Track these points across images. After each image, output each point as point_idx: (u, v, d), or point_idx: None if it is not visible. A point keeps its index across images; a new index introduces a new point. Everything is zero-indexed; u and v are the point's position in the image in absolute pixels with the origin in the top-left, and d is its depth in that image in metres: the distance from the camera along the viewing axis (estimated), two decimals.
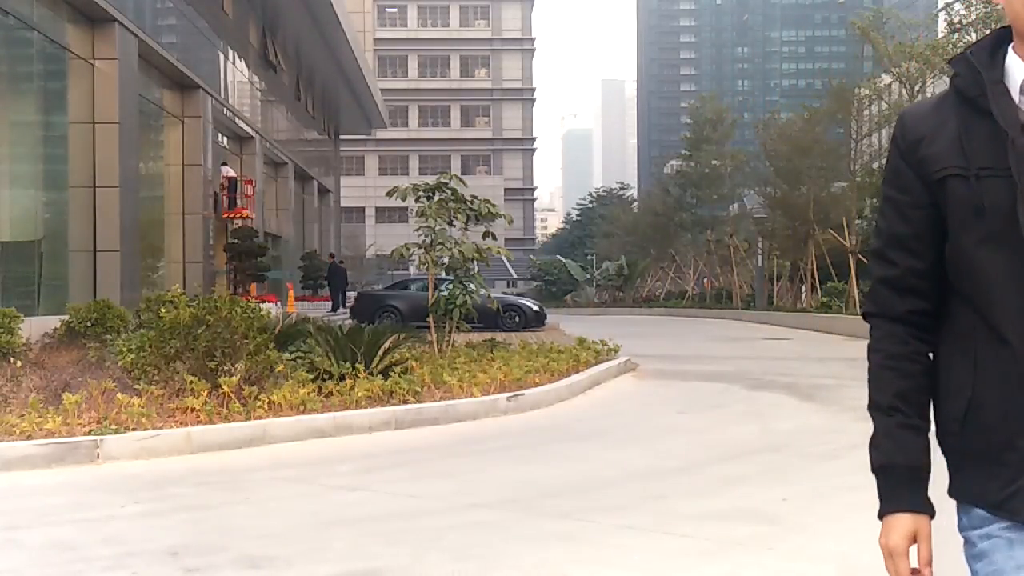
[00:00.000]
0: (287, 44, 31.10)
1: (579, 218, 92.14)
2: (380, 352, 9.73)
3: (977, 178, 1.37)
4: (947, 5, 22.74)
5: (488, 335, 15.36)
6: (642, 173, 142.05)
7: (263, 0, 27.37)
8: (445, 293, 13.28)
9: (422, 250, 13.43)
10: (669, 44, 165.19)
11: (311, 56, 33.33)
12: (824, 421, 8.95)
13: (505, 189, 75.52)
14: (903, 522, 1.44)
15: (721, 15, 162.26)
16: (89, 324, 11.87)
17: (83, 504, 5.50)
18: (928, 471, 1.48)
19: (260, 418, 7.68)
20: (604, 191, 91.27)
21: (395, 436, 8.00)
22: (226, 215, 23.37)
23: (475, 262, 13.54)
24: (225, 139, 25.23)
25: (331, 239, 42.29)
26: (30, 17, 14.32)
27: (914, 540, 1.44)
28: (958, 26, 21.46)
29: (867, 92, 26.66)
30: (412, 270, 31.04)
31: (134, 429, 7.04)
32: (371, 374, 9.23)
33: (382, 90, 47.68)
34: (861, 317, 1.62)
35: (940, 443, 1.48)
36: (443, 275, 14.33)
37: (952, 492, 1.46)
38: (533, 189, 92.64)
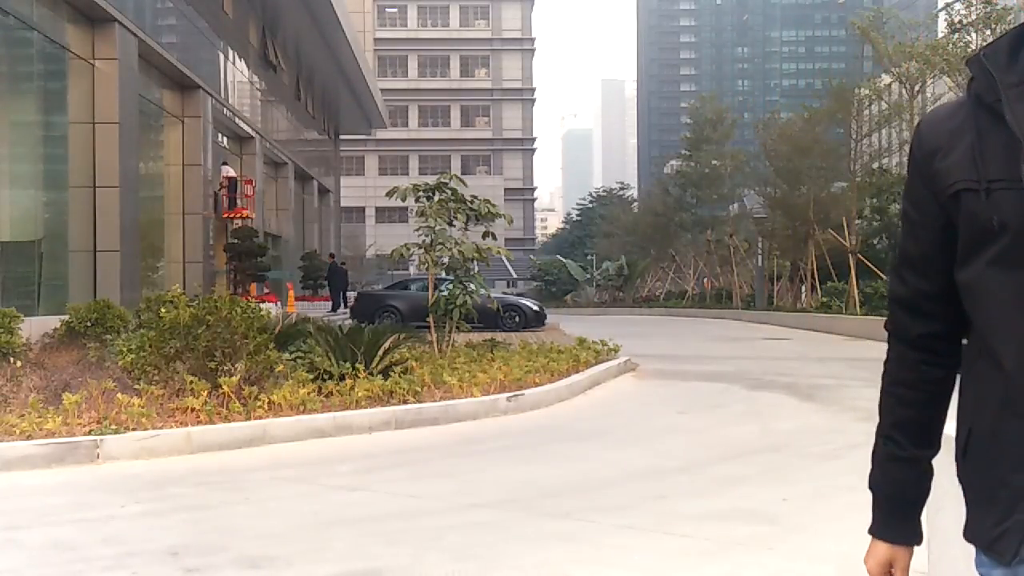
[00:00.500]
0: (287, 44, 31.10)
1: (579, 218, 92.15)
2: (380, 352, 9.73)
3: (988, 192, 1.25)
4: (947, 5, 22.73)
5: (488, 335, 15.36)
6: (642, 173, 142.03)
7: (263, 0, 27.37)
8: (445, 293, 13.27)
9: (422, 250, 13.42)
10: (669, 44, 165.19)
11: (311, 56, 33.33)
12: (824, 421, 8.95)
13: (505, 189, 75.54)
14: (880, 550, 1.44)
15: (721, 15, 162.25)
16: (89, 324, 11.87)
17: (83, 504, 5.50)
18: (915, 503, 1.45)
19: (260, 418, 7.68)
20: (604, 191, 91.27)
21: (395, 436, 8.00)
22: (226, 215, 23.37)
23: (475, 262, 13.54)
24: (225, 139, 25.23)
25: (331, 239, 42.29)
26: (30, 17, 14.32)
27: (891, 568, 1.44)
28: (958, 26, 21.44)
29: (867, 92, 26.64)
30: (412, 270, 31.09)
31: (134, 429, 7.04)
32: (371, 374, 9.23)
33: (382, 90, 47.68)
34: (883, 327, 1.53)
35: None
36: (443, 275, 14.33)
37: (964, 530, 1.38)
38: (533, 189, 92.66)
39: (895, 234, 27.82)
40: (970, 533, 1.34)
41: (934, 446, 1.45)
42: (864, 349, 16.96)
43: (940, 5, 25.77)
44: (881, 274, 25.82)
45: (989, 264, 1.26)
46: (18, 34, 14.33)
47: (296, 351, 10.25)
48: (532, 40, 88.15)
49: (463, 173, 40.61)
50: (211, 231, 21.81)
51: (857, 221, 27.09)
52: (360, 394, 8.54)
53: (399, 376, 9.15)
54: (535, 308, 24.56)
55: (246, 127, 25.92)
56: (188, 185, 20.70)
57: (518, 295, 33.77)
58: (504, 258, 15.30)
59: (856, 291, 24.38)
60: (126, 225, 15.97)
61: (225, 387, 7.84)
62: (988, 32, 19.80)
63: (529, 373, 10.49)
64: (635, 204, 71.16)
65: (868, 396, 9.65)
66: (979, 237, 1.27)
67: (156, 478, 6.22)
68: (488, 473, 6.52)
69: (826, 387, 11.58)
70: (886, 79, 26.47)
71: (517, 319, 23.36)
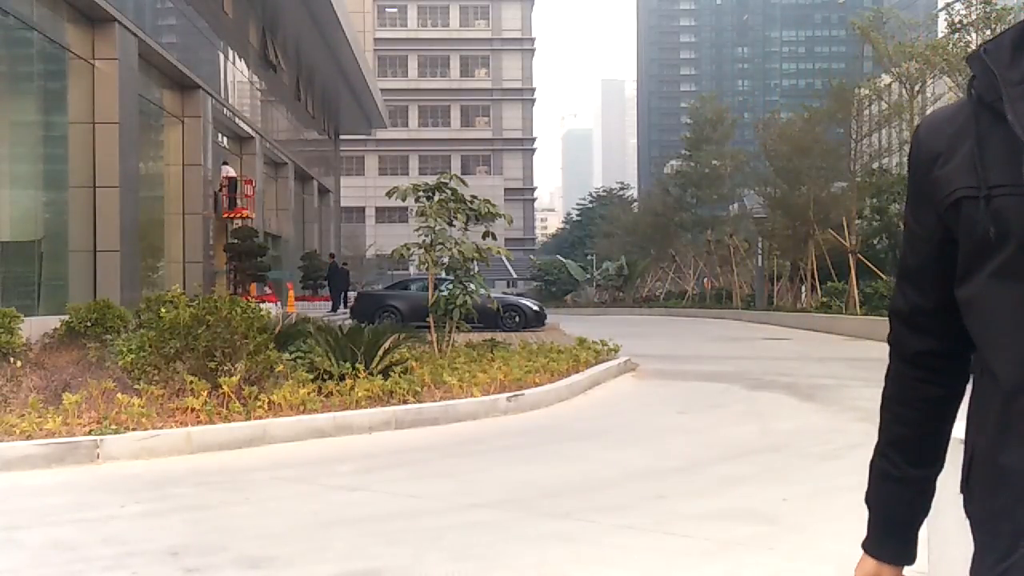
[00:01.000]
0: (287, 44, 31.10)
1: (579, 218, 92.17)
2: (380, 352, 9.74)
3: (988, 198, 1.15)
4: (947, 5, 22.72)
5: (488, 335, 15.37)
6: (642, 173, 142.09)
7: (263, 0, 27.37)
8: (445, 293, 13.28)
9: (422, 250, 13.43)
10: (669, 44, 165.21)
11: (311, 56, 33.32)
12: (824, 421, 8.95)
13: (505, 189, 75.55)
14: (869, 565, 1.41)
15: (721, 15, 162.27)
16: (89, 324, 11.87)
17: (83, 504, 5.50)
18: (907, 523, 1.40)
19: (260, 418, 7.68)
20: (604, 191, 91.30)
21: (395, 436, 8.00)
22: (226, 215, 23.37)
23: (475, 262, 13.54)
24: (225, 139, 25.23)
25: (331, 239, 42.29)
26: (30, 17, 14.32)
27: None
28: (958, 26, 21.44)
29: (867, 92, 26.65)
30: (412, 270, 31.05)
31: (134, 429, 7.04)
32: (371, 374, 9.23)
33: (382, 90, 47.68)
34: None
35: None
36: (443, 275, 14.33)
37: (970, 570, 1.28)
38: (533, 189, 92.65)
39: (895, 234, 27.84)
40: (974, 569, 1.24)
41: (931, 466, 1.39)
42: (864, 349, 16.97)
43: (940, 5, 25.75)
44: (881, 274, 25.83)
45: (990, 277, 1.18)
46: (18, 34, 14.33)
47: (296, 351, 10.25)
48: (532, 40, 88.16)
49: (463, 173, 40.61)
50: (211, 231, 21.81)
51: (857, 221, 27.10)
52: (360, 394, 8.54)
53: (399, 376, 9.15)
54: (535, 308, 24.57)
55: (246, 127, 25.92)
56: (188, 185, 20.70)
57: (518, 295, 33.78)
58: (504, 258, 15.30)
59: (856, 291, 24.39)
60: (126, 225, 15.97)
61: (225, 387, 7.84)
62: (988, 32, 19.79)
63: (529, 373, 10.49)
64: (635, 204, 71.18)
65: (868, 396, 9.67)
66: (980, 248, 1.18)
67: (156, 478, 6.22)
68: (488, 473, 6.52)
69: (826, 387, 11.58)
70: (886, 79, 26.47)
71: (517, 319, 23.37)
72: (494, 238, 13.81)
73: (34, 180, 15.14)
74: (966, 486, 1.26)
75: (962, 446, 1.28)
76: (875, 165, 29.12)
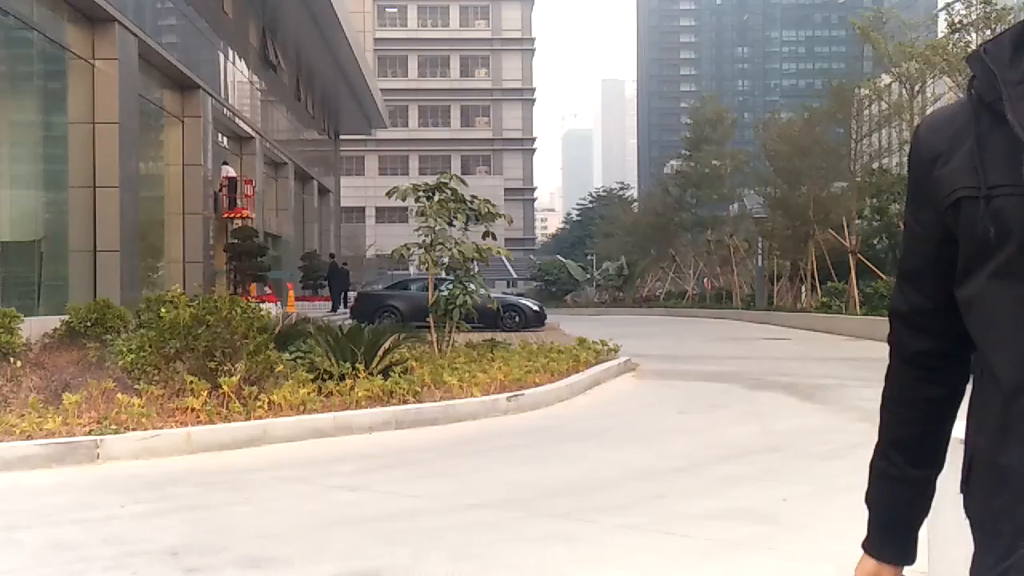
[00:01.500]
0: (287, 44, 31.10)
1: (579, 218, 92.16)
2: (380, 352, 9.74)
3: (988, 198, 1.15)
4: (947, 5, 22.72)
5: (488, 335, 15.36)
6: (642, 173, 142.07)
7: (263, 0, 27.37)
8: (445, 293, 13.28)
9: (422, 250, 13.43)
10: (669, 44, 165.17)
11: (311, 56, 33.33)
12: (824, 421, 8.95)
13: (505, 189, 75.46)
14: (869, 565, 1.41)
15: (721, 15, 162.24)
16: (89, 324, 11.87)
17: (83, 504, 5.50)
18: (907, 523, 1.39)
19: (260, 418, 7.68)
20: (604, 191, 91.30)
21: (395, 436, 8.00)
22: (226, 215, 23.37)
23: (475, 262, 13.54)
24: (225, 139, 25.23)
25: (331, 239, 42.29)
26: (30, 17, 14.32)
27: None
28: (958, 26, 21.44)
29: (867, 92, 26.66)
30: (412, 270, 31.03)
31: (134, 429, 7.04)
32: (371, 374, 9.23)
33: (382, 90, 47.69)
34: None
35: None
36: (443, 275, 14.33)
37: (969, 571, 1.28)
38: (533, 189, 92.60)
39: (895, 234, 27.83)
40: (972, 572, 1.24)
41: (931, 466, 1.39)
42: (864, 349, 16.97)
43: (940, 5, 25.75)
44: (881, 274, 25.83)
45: (990, 277, 1.17)
46: (18, 34, 14.32)
47: (296, 351, 10.25)
48: (532, 40, 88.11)
49: (463, 173, 40.58)
50: (211, 231, 21.81)
51: (857, 221, 27.10)
52: (360, 394, 8.54)
53: (399, 376, 9.15)
54: (535, 308, 24.57)
55: (246, 127, 25.92)
56: (188, 185, 20.70)
57: (518, 295, 33.76)
58: (504, 258, 15.30)
59: (856, 291, 24.39)
60: (126, 225, 15.97)
61: (225, 387, 7.84)
62: (988, 32, 19.79)
63: (529, 373, 10.49)
64: (635, 204, 71.15)
65: (868, 396, 9.66)
66: (980, 248, 1.18)
67: (156, 478, 6.22)
68: (488, 473, 6.52)
69: (826, 387, 11.58)
70: (886, 79, 26.48)
71: (517, 319, 23.37)
72: (494, 238, 13.81)
73: (34, 180, 15.14)
74: (966, 486, 1.25)
75: (962, 446, 1.27)
76: (875, 165, 29.12)
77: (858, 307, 23.90)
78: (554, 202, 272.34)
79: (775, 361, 15.65)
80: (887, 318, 1.45)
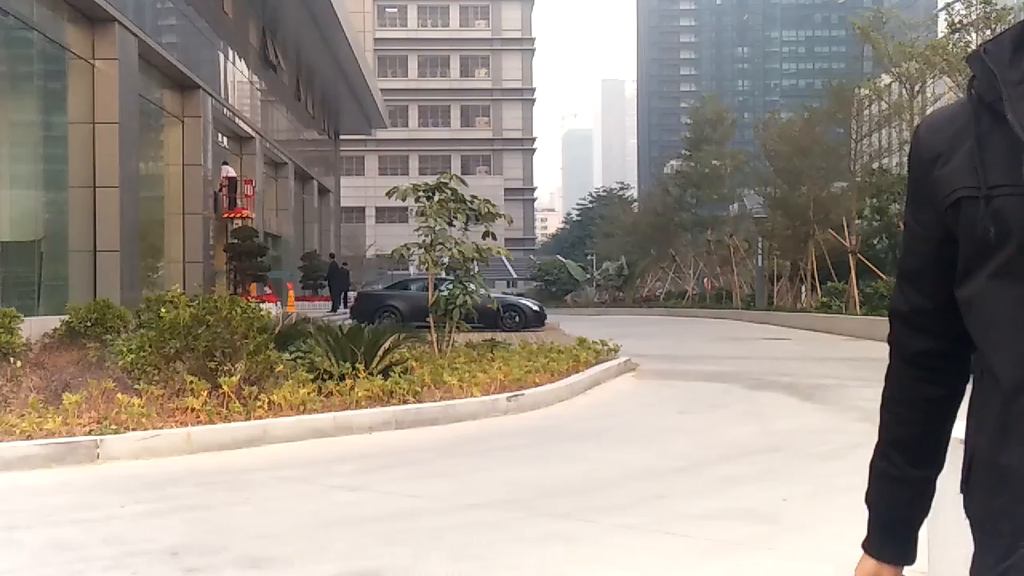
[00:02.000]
0: (287, 44, 31.10)
1: (579, 218, 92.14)
2: (380, 352, 9.74)
3: (988, 198, 1.15)
4: (947, 5, 22.72)
5: (488, 335, 15.36)
6: (642, 173, 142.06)
7: (263, 0, 27.37)
8: (445, 293, 13.28)
9: (422, 250, 13.43)
10: (669, 44, 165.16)
11: (311, 56, 33.32)
12: (824, 421, 8.95)
13: (505, 189, 75.44)
14: (869, 565, 1.41)
15: (721, 15, 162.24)
16: (89, 324, 11.87)
17: (83, 504, 5.50)
18: (907, 523, 1.39)
19: (260, 418, 7.68)
20: (604, 191, 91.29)
21: (395, 436, 8.00)
22: (226, 215, 23.37)
23: (475, 262, 13.54)
24: (225, 139, 25.23)
25: (331, 239, 42.29)
26: (30, 17, 14.32)
27: None
28: (958, 26, 21.44)
29: (867, 92, 26.66)
30: (412, 270, 31.03)
31: (134, 429, 7.04)
32: (371, 374, 9.23)
33: (382, 90, 47.68)
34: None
35: None
36: (443, 275, 14.34)
37: (969, 571, 1.28)
38: (533, 189, 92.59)
39: (895, 234, 27.84)
40: (972, 572, 1.24)
41: (931, 466, 1.40)
42: (864, 349, 16.97)
43: (940, 5, 25.75)
44: (881, 274, 25.83)
45: (990, 277, 1.17)
46: (18, 34, 14.32)
47: (296, 351, 10.25)
48: (532, 40, 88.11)
49: (463, 173, 40.57)
50: (211, 231, 21.81)
51: (857, 221, 27.11)
52: (360, 394, 8.54)
53: (399, 376, 9.15)
54: (535, 308, 24.57)
55: (246, 127, 25.92)
56: (188, 185, 20.70)
57: (518, 295, 33.77)
58: (504, 258, 15.30)
59: (856, 291, 24.39)
60: (126, 225, 15.97)
61: (225, 387, 7.84)
62: (988, 32, 19.79)
63: (529, 373, 10.49)
64: (635, 204, 71.16)
65: (868, 396, 9.67)
66: (980, 248, 1.18)
67: (156, 478, 6.22)
68: (488, 473, 6.52)
69: (826, 387, 11.58)
70: (886, 79, 26.48)
71: (517, 319, 23.37)
72: (494, 238, 13.81)
73: (34, 180, 15.14)
74: (966, 486, 1.25)
75: (962, 446, 1.27)
76: (875, 165, 29.12)
77: (858, 307, 23.90)
78: (554, 202, 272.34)
79: (775, 361, 15.65)
80: (887, 318, 1.45)
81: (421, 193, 13.46)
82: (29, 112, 15.23)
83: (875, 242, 30.56)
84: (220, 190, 23.03)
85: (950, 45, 21.37)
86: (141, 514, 5.28)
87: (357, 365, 9.27)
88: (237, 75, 25.03)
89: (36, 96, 15.56)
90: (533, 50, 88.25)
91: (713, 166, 40.99)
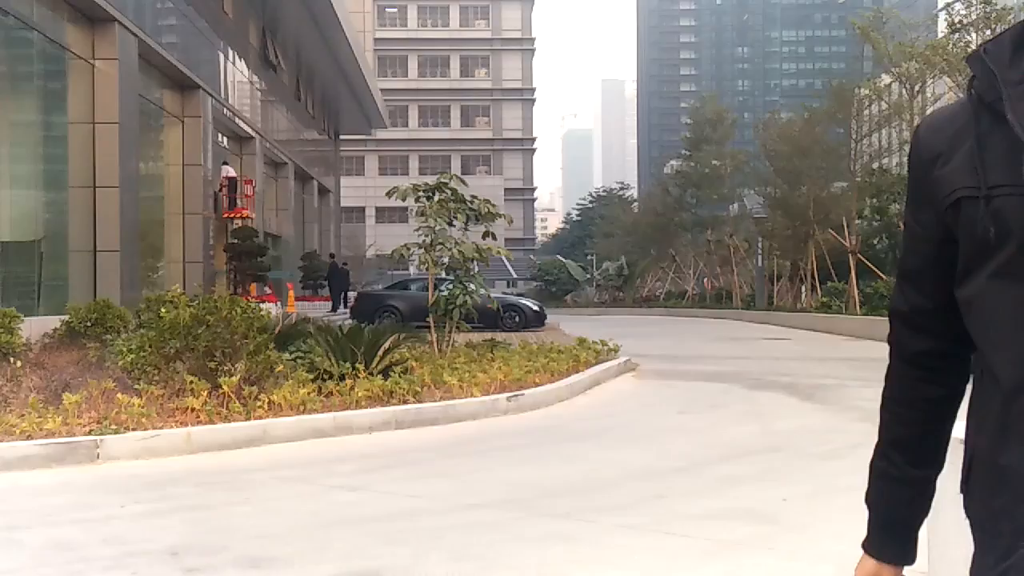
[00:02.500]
0: (287, 44, 31.10)
1: (579, 218, 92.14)
2: (380, 352, 9.74)
3: (988, 198, 1.15)
4: (947, 5, 22.72)
5: (488, 335, 15.36)
6: (642, 173, 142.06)
7: (263, 0, 27.37)
8: (445, 293, 13.28)
9: (422, 250, 13.43)
10: (669, 44, 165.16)
11: (311, 56, 33.32)
12: (824, 421, 8.95)
13: (505, 189, 75.44)
14: (867, 565, 1.41)
15: (721, 15, 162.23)
16: (89, 324, 11.87)
17: (83, 504, 5.50)
18: (907, 523, 1.39)
19: (260, 418, 7.68)
20: (604, 191, 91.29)
21: (395, 436, 8.00)
22: (226, 215, 23.37)
23: (475, 262, 13.54)
24: (225, 139, 25.23)
25: (331, 239, 42.29)
26: (30, 17, 14.32)
27: None
28: (958, 26, 21.44)
29: (867, 92, 26.66)
30: (412, 270, 31.03)
31: (134, 429, 7.04)
32: (371, 374, 9.23)
33: (382, 90, 47.68)
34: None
35: None
36: (443, 275, 14.34)
37: (969, 571, 1.27)
38: (533, 189, 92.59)
39: (895, 234, 27.84)
40: (972, 572, 1.24)
41: (931, 466, 1.40)
42: (864, 349, 16.97)
43: (940, 5, 25.75)
44: (881, 274, 25.84)
45: (990, 277, 1.17)
46: (18, 34, 14.32)
47: (296, 351, 10.25)
48: (532, 40, 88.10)
49: (463, 173, 40.55)
50: (211, 231, 21.81)
51: (857, 221, 27.11)
52: (360, 394, 8.54)
53: (399, 376, 9.15)
54: (535, 308, 24.57)
55: (246, 127, 25.92)
56: (188, 185, 20.70)
57: (518, 295, 33.77)
58: (504, 258, 15.31)
59: (856, 291, 24.39)
60: (126, 225, 15.97)
61: (225, 387, 7.84)
62: (988, 32, 19.79)
63: (529, 373, 10.49)
64: (635, 204, 71.16)
65: (868, 396, 9.67)
66: (980, 248, 1.17)
67: (156, 478, 6.22)
68: (488, 473, 6.52)
69: (826, 387, 11.58)
70: (886, 79, 26.47)
71: (517, 319, 23.37)
72: (494, 238, 13.81)
73: (34, 180, 15.14)
74: (966, 486, 1.25)
75: (962, 446, 1.27)
76: (875, 165, 29.13)
77: (858, 307, 23.90)
78: (554, 202, 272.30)
79: (775, 361, 15.65)
80: (887, 318, 1.45)
81: (421, 193, 13.46)
82: (29, 112, 15.23)
83: (875, 242, 30.56)
84: (220, 190, 23.03)
85: (950, 45, 21.37)
86: (141, 514, 5.28)
87: (357, 365, 9.27)
88: (237, 75, 25.03)
89: (36, 96, 15.56)
90: (533, 50, 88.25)
91: (713, 166, 40.99)
